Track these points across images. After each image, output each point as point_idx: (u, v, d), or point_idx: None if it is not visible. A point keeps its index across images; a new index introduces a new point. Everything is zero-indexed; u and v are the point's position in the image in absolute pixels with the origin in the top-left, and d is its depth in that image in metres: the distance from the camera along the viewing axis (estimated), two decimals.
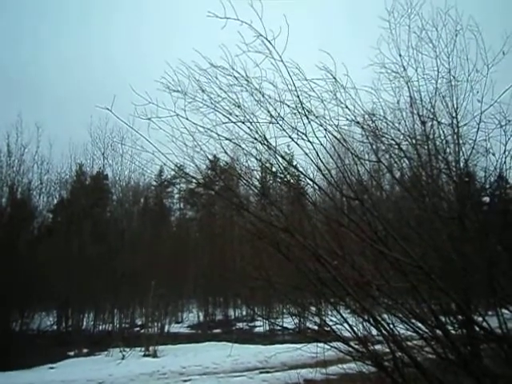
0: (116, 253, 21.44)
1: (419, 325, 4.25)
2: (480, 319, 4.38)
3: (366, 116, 4.54)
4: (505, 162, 6.98)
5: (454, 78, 6.51)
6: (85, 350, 18.53)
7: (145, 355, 17.55)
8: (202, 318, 26.48)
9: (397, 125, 6.25)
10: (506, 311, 4.50)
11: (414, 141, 6.15)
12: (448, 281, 4.18)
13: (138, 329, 22.97)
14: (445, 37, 6.42)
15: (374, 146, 4.63)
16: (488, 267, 4.15)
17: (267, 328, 22.77)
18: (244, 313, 26.75)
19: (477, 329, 4.31)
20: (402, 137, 6.20)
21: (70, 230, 22.46)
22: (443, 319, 4.33)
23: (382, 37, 6.39)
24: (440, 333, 4.00)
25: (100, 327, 23.02)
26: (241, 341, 19.40)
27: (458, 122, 6.67)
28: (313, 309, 6.27)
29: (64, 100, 41.48)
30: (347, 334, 4.79)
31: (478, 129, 6.60)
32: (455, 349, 3.99)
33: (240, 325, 25.34)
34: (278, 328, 20.61)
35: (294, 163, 4.71)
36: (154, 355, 17.48)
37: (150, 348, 17.79)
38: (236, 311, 27.37)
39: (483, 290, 4.54)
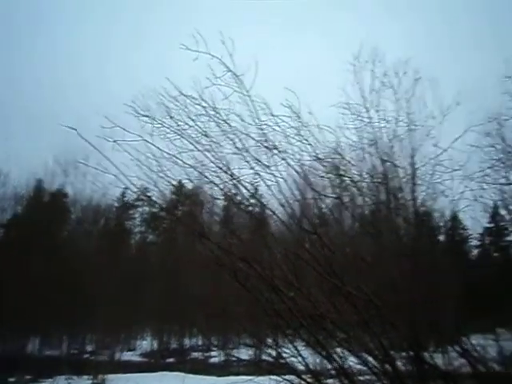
0: (70, 274, 20.62)
1: (370, 359, 4.33)
2: (428, 356, 4.52)
3: (329, 153, 4.72)
4: (457, 204, 7.40)
5: (412, 122, 6.93)
6: (27, 377, 17.46)
7: None
8: (155, 346, 25.61)
9: (358, 163, 6.54)
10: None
11: (373, 179, 6.42)
12: (399, 317, 4.31)
13: (87, 355, 21.92)
14: (405, 84, 6.87)
15: (335, 183, 4.80)
16: (435, 306, 4.31)
17: (223, 359, 22.29)
18: (200, 342, 26.10)
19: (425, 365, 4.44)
20: (362, 175, 6.48)
21: (21, 247, 21.46)
22: (394, 354, 4.44)
23: (348, 79, 6.76)
24: (389, 368, 4.09)
25: (47, 353, 21.81)
26: (195, 371, 18.87)
27: (414, 164, 7.05)
28: (269, 340, 6.25)
29: (27, 116, 40.50)
30: (303, 367, 4.80)
31: (434, 172, 7.01)
32: None
33: (195, 354, 24.65)
34: (234, 359, 20.23)
35: (259, 194, 4.82)
36: None
37: (99, 376, 17.00)
38: (191, 340, 26.66)
39: (431, 328, 4.69)
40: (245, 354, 10.55)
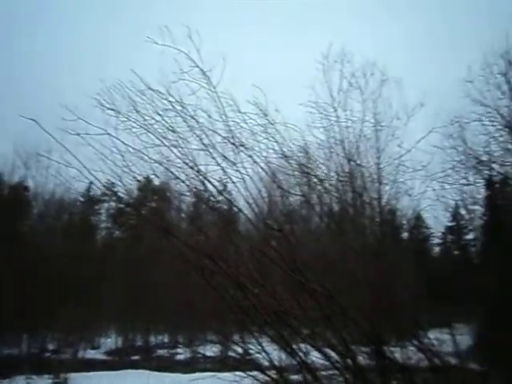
0: (31, 270, 19.94)
1: (333, 354, 4.42)
2: (388, 350, 4.67)
3: (297, 151, 4.76)
4: (420, 204, 7.65)
5: (378, 122, 7.10)
6: None
7: (54, 383, 16.27)
8: (120, 343, 25.16)
9: (326, 162, 6.63)
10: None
11: (340, 178, 6.52)
12: (361, 313, 4.42)
13: (49, 354, 21.30)
14: (372, 85, 7.03)
15: (302, 181, 4.85)
16: (396, 302, 4.45)
17: (189, 356, 22.15)
18: (166, 339, 25.83)
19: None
20: (329, 174, 6.57)
21: None
22: (356, 349, 4.54)
23: (317, 78, 6.85)
24: (351, 362, 4.19)
25: (5, 352, 21.02)
26: (161, 368, 18.66)
27: (380, 164, 7.22)
28: (235, 337, 6.28)
29: None
30: (267, 363, 4.85)
31: (398, 171, 7.22)
32: (363, 378, 4.19)
33: (161, 352, 24.37)
34: (200, 356, 20.15)
35: (227, 191, 4.81)
36: (65, 383, 16.27)
37: (61, 375, 16.54)
38: (157, 338, 26.36)
39: (392, 323, 4.83)
40: (212, 350, 10.53)
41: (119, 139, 3.87)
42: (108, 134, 3.81)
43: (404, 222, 10.22)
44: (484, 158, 9.43)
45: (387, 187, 7.25)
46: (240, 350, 5.53)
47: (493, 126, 9.43)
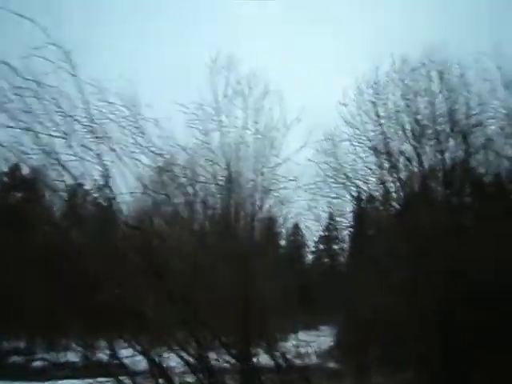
0: None
1: (188, 357, 4.38)
2: (246, 353, 4.81)
3: (168, 151, 4.64)
4: (296, 213, 8.09)
5: (258, 131, 7.35)
6: None
7: None
8: None
9: (205, 165, 6.61)
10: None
11: (217, 182, 6.57)
12: (223, 318, 4.47)
13: None
14: (255, 95, 7.27)
15: (171, 181, 4.73)
16: (258, 308, 4.59)
17: (48, 362, 20.33)
18: (22, 345, 23.34)
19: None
20: (207, 177, 6.57)
21: None
22: (213, 352, 4.57)
23: (203, 81, 6.87)
24: (205, 364, 4.19)
25: None
26: (14, 377, 16.80)
27: (258, 171, 7.48)
28: (94, 342, 5.91)
29: None
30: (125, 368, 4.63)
31: (274, 180, 7.57)
32: (217, 380, 4.23)
33: (15, 358, 21.97)
34: (61, 362, 18.64)
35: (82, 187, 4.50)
36: None
37: None
38: (11, 342, 23.67)
39: (253, 328, 4.96)
40: (71, 357, 9.77)
41: None
42: None
43: (281, 230, 10.69)
44: (350, 175, 10.29)
45: (265, 195, 7.54)
46: (100, 356, 5.23)
47: (360, 147, 10.35)
